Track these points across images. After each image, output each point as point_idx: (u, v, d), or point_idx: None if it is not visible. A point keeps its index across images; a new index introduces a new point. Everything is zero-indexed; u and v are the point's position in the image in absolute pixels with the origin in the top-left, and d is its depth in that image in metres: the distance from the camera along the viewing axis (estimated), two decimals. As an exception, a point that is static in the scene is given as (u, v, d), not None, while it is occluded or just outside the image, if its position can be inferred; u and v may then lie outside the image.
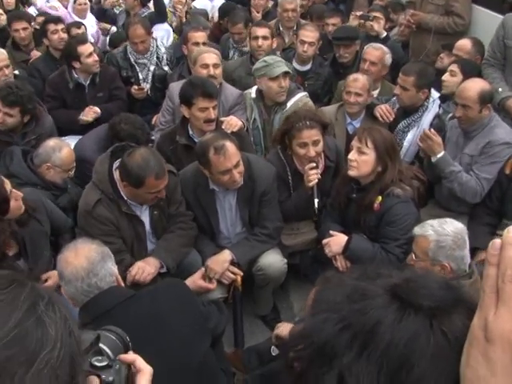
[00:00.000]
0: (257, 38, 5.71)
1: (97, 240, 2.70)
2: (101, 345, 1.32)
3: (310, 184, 4.02)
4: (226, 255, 3.92)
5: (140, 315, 2.46)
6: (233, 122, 4.55)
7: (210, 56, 4.99)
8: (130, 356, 1.41)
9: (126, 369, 1.37)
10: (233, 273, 3.91)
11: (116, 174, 3.65)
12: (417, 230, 3.19)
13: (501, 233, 2.94)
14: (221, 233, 4.12)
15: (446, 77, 4.84)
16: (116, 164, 3.68)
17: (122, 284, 2.71)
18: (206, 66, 4.91)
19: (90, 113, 5.44)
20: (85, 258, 2.50)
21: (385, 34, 6.33)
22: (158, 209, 3.80)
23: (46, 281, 3.55)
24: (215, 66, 4.95)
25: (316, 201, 4.03)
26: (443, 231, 3.09)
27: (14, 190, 3.27)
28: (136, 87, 5.93)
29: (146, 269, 3.64)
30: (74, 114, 5.48)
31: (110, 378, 1.29)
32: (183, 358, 2.48)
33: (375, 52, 5.35)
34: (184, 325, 2.55)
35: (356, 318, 0.92)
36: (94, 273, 2.48)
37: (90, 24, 7.51)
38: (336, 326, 0.92)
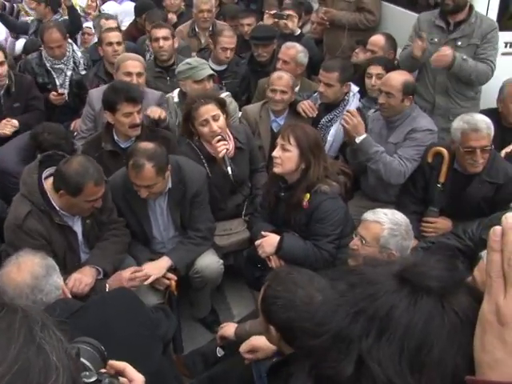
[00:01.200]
0: (157, 39, 5.70)
1: (40, 252, 2.60)
2: (82, 359, 1.28)
3: (220, 154, 4.13)
4: (165, 262, 3.89)
5: (89, 328, 2.39)
6: (155, 110, 4.60)
7: (134, 64, 4.93)
8: (120, 364, 1.38)
9: (116, 379, 1.34)
10: (167, 278, 3.88)
11: (46, 184, 3.54)
12: (369, 215, 3.25)
13: (427, 219, 3.07)
14: (154, 238, 4.08)
15: (374, 81, 4.94)
16: (46, 173, 3.58)
17: (69, 295, 2.64)
18: (129, 74, 4.86)
19: (8, 126, 5.20)
20: (28, 274, 2.42)
21: (299, 31, 6.44)
22: (91, 217, 3.72)
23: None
24: (139, 74, 4.91)
25: (229, 169, 4.16)
26: (397, 220, 3.18)
27: None
28: (55, 93, 5.76)
29: (82, 280, 3.54)
30: None
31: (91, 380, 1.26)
32: (138, 368, 2.43)
33: (288, 51, 5.44)
34: (135, 334, 2.50)
35: (368, 303, 0.94)
36: (39, 289, 2.40)
37: (0, 31, 7.21)
38: (349, 312, 0.95)
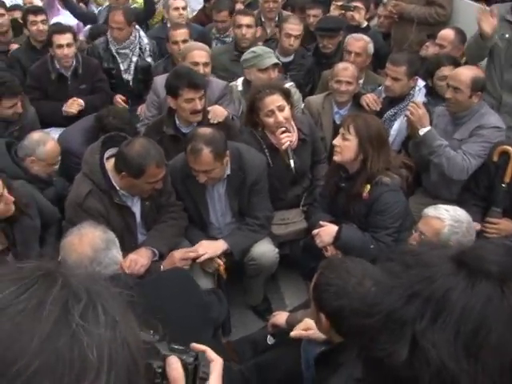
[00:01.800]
0: (241, 26, 5.70)
1: (101, 226, 2.65)
2: (173, 345, 1.27)
3: (284, 146, 4.07)
4: (221, 244, 3.90)
5: (144, 305, 2.42)
6: (218, 112, 4.51)
7: (201, 54, 4.93)
8: (202, 347, 1.37)
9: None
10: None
11: (108, 164, 3.59)
12: (430, 211, 3.19)
13: (490, 220, 2.99)
14: (211, 223, 4.09)
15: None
16: (107, 154, 3.63)
17: (127, 271, 2.68)
18: (196, 64, 4.85)
19: (74, 105, 5.34)
20: (89, 246, 2.46)
21: (366, 23, 6.36)
22: (150, 199, 3.76)
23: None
24: (205, 64, 4.91)
25: (291, 161, 4.09)
26: (459, 217, 3.11)
27: (5, 194, 3.18)
28: (119, 99, 5.82)
29: (138, 261, 3.58)
30: (56, 105, 5.38)
31: (191, 359, 1.25)
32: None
33: (358, 43, 5.38)
34: (187, 313, 2.52)
35: (424, 285, 0.92)
36: (97, 261, 2.44)
37: (70, 16, 7.35)
38: (403, 293, 0.92)
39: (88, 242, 2.50)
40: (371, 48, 5.44)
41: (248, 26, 5.69)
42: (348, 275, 2.34)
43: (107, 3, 7.83)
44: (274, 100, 4.08)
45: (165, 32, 6.08)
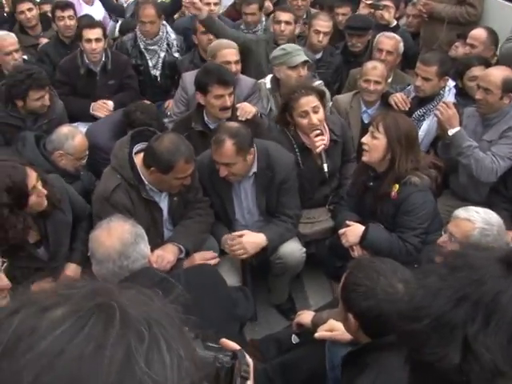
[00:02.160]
0: (279, 22, 5.66)
1: (130, 220, 2.65)
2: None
3: (318, 150, 4.05)
4: (262, 239, 3.85)
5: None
6: (247, 109, 4.49)
7: (231, 52, 4.91)
8: (235, 345, 1.35)
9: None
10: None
11: (137, 159, 3.60)
12: (461, 212, 3.14)
13: None
14: (236, 220, 4.08)
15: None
16: (136, 148, 3.64)
17: (154, 265, 2.68)
18: (228, 63, 4.82)
19: (103, 109, 5.34)
20: (117, 240, 2.46)
21: (395, 22, 6.29)
22: (178, 195, 3.76)
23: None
24: (236, 62, 4.89)
25: (325, 165, 4.08)
26: (490, 220, 3.06)
27: (38, 187, 3.18)
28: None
29: (165, 257, 3.59)
30: (85, 103, 5.39)
31: (228, 358, 1.25)
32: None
33: (390, 41, 5.36)
34: (214, 309, 2.52)
35: (473, 288, 0.90)
36: (125, 255, 2.44)
37: (98, 11, 7.37)
38: (452, 296, 0.90)
39: (116, 235, 2.50)
40: (402, 47, 5.43)
41: (287, 23, 5.65)
42: (377, 275, 2.30)
43: None
44: (310, 101, 4.04)
45: (192, 23, 6.07)
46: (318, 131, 4.05)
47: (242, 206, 4.03)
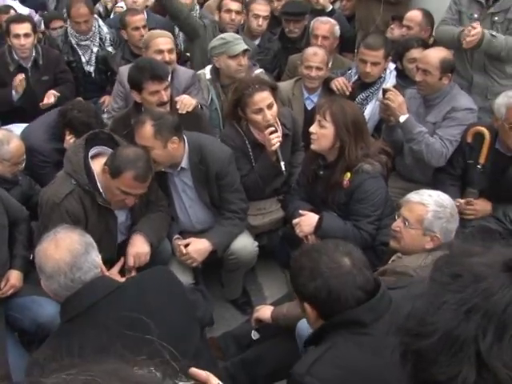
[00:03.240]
0: (230, 11, 5.59)
1: (78, 229, 2.52)
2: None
3: (273, 148, 3.93)
4: (207, 245, 3.80)
5: (128, 308, 2.31)
6: (186, 102, 4.36)
7: (165, 40, 4.80)
8: (203, 373, 1.26)
9: None
10: None
11: (94, 164, 3.45)
12: (413, 196, 3.12)
13: (467, 200, 2.96)
14: (178, 217, 4.00)
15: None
16: (92, 152, 3.49)
17: (107, 273, 2.56)
18: (161, 51, 4.72)
19: (51, 96, 5.16)
20: (67, 251, 2.32)
21: (330, 7, 6.29)
22: (142, 197, 3.64)
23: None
24: (170, 51, 4.77)
25: (282, 164, 3.99)
26: (442, 202, 3.05)
27: None
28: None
29: (140, 253, 3.55)
30: (4, 91, 5.21)
31: None
32: (178, 350, 2.35)
33: (325, 26, 5.36)
34: (176, 314, 2.42)
35: (481, 299, 0.85)
36: (77, 267, 2.30)
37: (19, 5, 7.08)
38: (459, 309, 0.85)
39: (65, 246, 2.35)
40: (338, 30, 5.43)
41: (237, 12, 5.60)
42: (319, 255, 2.25)
43: None
44: (264, 98, 3.92)
45: (120, 19, 5.94)
46: (273, 128, 3.95)
47: (180, 200, 3.94)
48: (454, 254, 0.99)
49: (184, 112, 4.28)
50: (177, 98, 4.38)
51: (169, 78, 4.30)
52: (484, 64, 4.73)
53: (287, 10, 5.80)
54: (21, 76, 5.16)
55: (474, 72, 4.77)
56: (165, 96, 4.08)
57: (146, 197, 3.70)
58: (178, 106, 4.31)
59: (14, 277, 3.45)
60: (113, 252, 3.59)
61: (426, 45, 4.85)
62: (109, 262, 3.40)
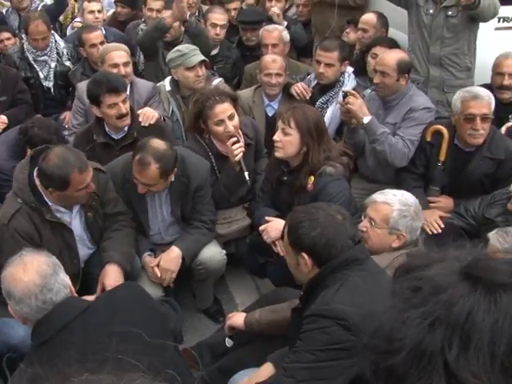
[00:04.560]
0: (215, 25, 5.69)
1: (44, 251, 2.50)
2: None
3: (236, 158, 3.97)
4: (176, 252, 3.81)
5: (100, 326, 2.30)
6: (149, 114, 4.37)
7: (120, 54, 4.79)
8: None
9: None
10: None
11: (38, 181, 3.41)
12: (378, 196, 3.19)
13: (429, 199, 3.13)
14: (150, 229, 3.99)
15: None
16: (36, 173, 3.45)
17: (75, 294, 2.54)
18: (116, 65, 4.72)
19: None
20: (35, 273, 2.29)
21: (285, 23, 6.28)
22: (92, 210, 3.62)
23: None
24: (125, 64, 4.76)
25: (246, 173, 4.03)
26: (406, 201, 3.13)
27: None
28: None
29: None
30: None
31: None
32: (155, 364, 2.34)
33: (271, 34, 5.44)
34: (151, 329, 2.41)
35: (443, 310, 0.86)
36: (48, 288, 2.28)
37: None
38: (422, 323, 0.86)
39: (33, 269, 2.32)
40: (287, 35, 5.48)
41: (222, 27, 5.74)
42: (316, 210, 2.58)
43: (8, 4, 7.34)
44: (225, 109, 3.95)
45: (78, 36, 5.90)
46: (235, 138, 3.97)
47: (156, 214, 3.93)
48: (412, 264, 1.00)
49: (147, 124, 4.28)
50: (139, 111, 4.38)
51: (127, 91, 4.31)
52: (440, 57, 4.83)
53: (243, 19, 5.86)
54: (1, 120, 5.09)
55: (431, 65, 4.87)
56: (123, 108, 4.08)
57: (102, 209, 3.70)
58: (140, 119, 4.30)
59: None
60: (76, 267, 3.58)
61: (394, 46, 4.89)
62: (75, 278, 3.41)
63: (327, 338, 2.33)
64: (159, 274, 3.77)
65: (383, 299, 2.04)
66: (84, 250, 3.71)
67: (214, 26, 5.71)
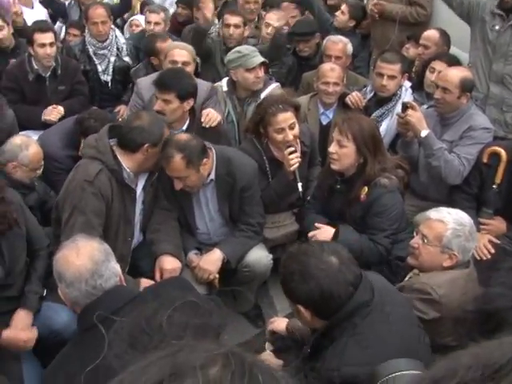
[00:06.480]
0: (229, 25, 5.63)
1: (97, 237, 2.52)
2: None
3: (292, 168, 3.95)
4: (218, 254, 3.82)
5: (146, 316, 2.30)
6: (212, 116, 4.34)
7: (181, 53, 4.80)
8: None
9: None
10: None
11: (116, 149, 3.58)
12: (433, 213, 3.12)
13: (481, 221, 3.00)
14: (197, 228, 4.00)
15: (435, 77, 4.66)
16: (111, 142, 3.60)
17: (124, 283, 2.55)
18: (175, 62, 4.74)
19: (54, 113, 5.13)
20: (88, 258, 2.31)
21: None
22: (150, 195, 3.81)
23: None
24: (185, 63, 4.76)
25: (299, 184, 3.99)
26: (461, 220, 3.04)
27: None
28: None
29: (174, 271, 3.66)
30: (35, 111, 5.16)
31: None
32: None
33: (336, 46, 5.36)
34: (192, 323, 2.41)
35: None
36: (98, 274, 2.30)
37: (39, 14, 7.03)
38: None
39: (86, 254, 2.35)
40: (350, 49, 5.43)
41: (236, 26, 5.63)
42: (307, 258, 2.33)
43: None
44: (287, 118, 3.96)
45: (146, 44, 5.81)
46: (292, 148, 3.96)
47: (202, 213, 3.95)
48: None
49: (207, 126, 4.29)
50: (204, 111, 4.37)
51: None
52: (502, 75, 4.75)
53: (295, 31, 5.82)
54: (58, 111, 5.19)
55: (491, 83, 4.79)
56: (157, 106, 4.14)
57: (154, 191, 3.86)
58: (202, 119, 4.30)
59: (20, 318, 3.23)
60: (129, 245, 3.71)
61: (454, 63, 4.77)
62: (124, 260, 3.56)
63: None
64: (198, 274, 3.80)
65: (394, 340, 2.07)
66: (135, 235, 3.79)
67: (267, 25, 5.76)
